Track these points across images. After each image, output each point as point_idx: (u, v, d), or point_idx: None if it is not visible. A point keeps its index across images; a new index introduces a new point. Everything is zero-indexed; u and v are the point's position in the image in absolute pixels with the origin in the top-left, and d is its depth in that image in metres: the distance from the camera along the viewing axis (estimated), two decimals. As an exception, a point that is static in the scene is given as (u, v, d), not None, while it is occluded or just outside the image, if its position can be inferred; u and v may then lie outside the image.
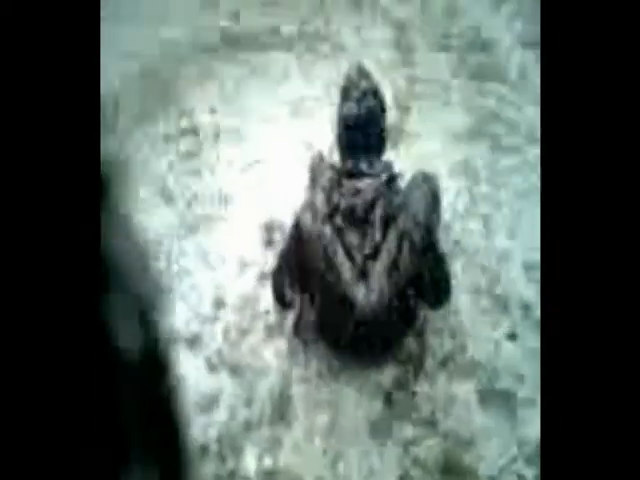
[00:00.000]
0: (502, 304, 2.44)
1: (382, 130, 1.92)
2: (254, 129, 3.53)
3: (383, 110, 1.93)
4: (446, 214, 2.78)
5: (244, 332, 2.29)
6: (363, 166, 1.82)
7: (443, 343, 2.25)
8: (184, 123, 3.58)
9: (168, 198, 3.02)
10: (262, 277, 2.57)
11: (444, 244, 2.41)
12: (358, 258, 1.76)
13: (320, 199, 1.83)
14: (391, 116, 3.40)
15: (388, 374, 2.15)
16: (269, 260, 2.65)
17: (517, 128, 3.31)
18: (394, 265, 1.76)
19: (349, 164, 1.85)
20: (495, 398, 2.14)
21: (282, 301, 2.12)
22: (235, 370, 2.17)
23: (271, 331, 2.29)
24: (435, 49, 4.09)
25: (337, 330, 1.92)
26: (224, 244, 2.74)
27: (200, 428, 1.95)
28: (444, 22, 4.40)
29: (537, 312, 2.31)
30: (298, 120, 3.62)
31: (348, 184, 1.79)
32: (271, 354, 2.22)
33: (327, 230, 1.77)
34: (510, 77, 3.70)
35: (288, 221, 2.84)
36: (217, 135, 3.48)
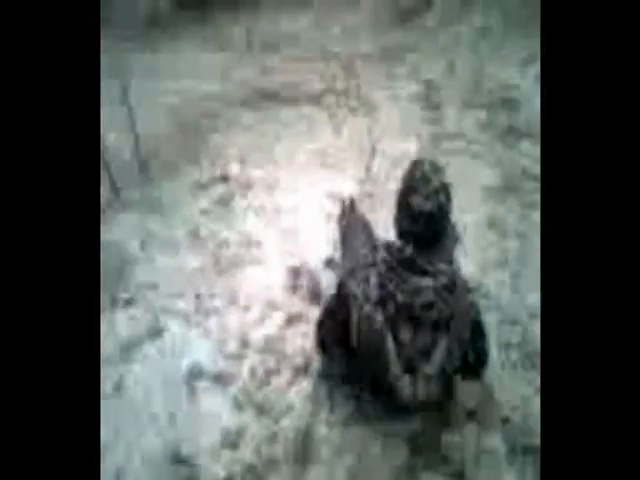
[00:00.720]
0: (532, 359, 2.46)
1: (446, 228, 1.81)
2: (282, 179, 3.74)
3: (450, 209, 1.82)
4: (476, 267, 2.88)
5: (270, 372, 2.37)
6: (423, 261, 1.74)
7: (473, 394, 2.28)
8: (217, 172, 3.82)
9: (201, 241, 3.19)
10: (288, 320, 2.67)
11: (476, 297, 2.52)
12: (408, 353, 1.78)
13: (373, 281, 1.79)
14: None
15: (415, 422, 2.19)
16: (295, 303, 2.77)
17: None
18: (442, 369, 1.83)
19: (408, 251, 1.76)
20: (523, 454, 2.14)
21: (324, 350, 2.22)
22: (261, 409, 2.23)
23: (297, 373, 2.36)
24: (464, 106, 4.31)
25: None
26: (251, 287, 2.87)
27: (225, 463, 2.02)
28: (472, 81, 4.66)
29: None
30: (325, 171, 3.82)
31: (408, 278, 1.72)
32: (296, 395, 2.28)
33: (379, 317, 1.75)
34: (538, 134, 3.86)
35: (313, 266, 2.99)
36: (247, 184, 3.70)
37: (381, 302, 1.75)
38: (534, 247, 3.04)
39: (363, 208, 2.38)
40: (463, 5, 5.97)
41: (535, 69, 4.60)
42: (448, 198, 1.77)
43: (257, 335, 2.57)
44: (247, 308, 2.74)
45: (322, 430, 2.14)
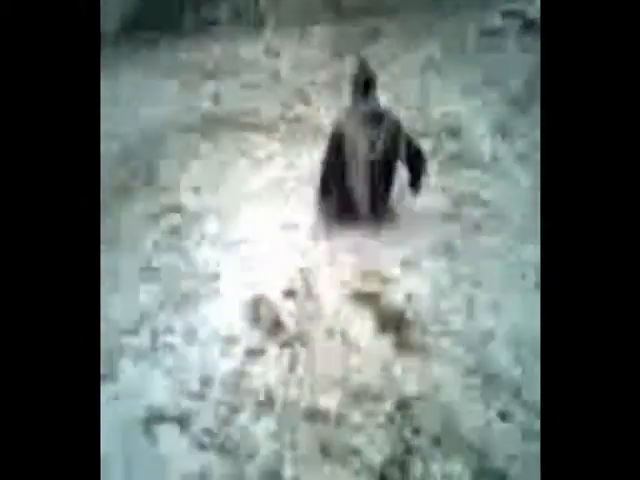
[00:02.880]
0: (492, 383, 2.59)
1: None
2: (237, 208, 3.77)
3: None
4: (429, 294, 3.00)
5: (234, 409, 2.38)
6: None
7: (434, 422, 2.37)
8: (168, 200, 3.81)
9: (153, 275, 3.17)
10: (249, 354, 2.69)
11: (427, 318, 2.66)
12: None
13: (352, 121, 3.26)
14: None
15: (381, 453, 2.25)
16: (256, 336, 2.79)
17: (493, 210, 3.64)
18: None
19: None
20: (488, 478, 2.24)
21: (327, 190, 3.39)
22: (224, 449, 2.23)
23: (261, 408, 2.38)
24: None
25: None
26: (211, 321, 2.87)
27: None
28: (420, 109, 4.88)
29: (526, 392, 2.47)
30: (282, 200, 3.88)
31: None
32: (261, 433, 2.30)
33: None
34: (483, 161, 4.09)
35: (273, 297, 3.03)
36: (200, 213, 3.71)
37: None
38: (486, 270, 3.19)
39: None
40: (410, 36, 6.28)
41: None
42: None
43: (218, 372, 2.57)
44: (206, 343, 2.74)
45: (288, 470, 2.17)
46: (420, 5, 6.83)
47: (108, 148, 4.37)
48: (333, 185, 3.39)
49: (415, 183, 3.47)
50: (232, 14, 7.80)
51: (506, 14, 6.20)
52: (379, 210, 3.46)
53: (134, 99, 5.24)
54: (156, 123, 4.88)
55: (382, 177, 3.35)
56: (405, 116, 4.60)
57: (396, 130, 3.28)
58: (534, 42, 5.21)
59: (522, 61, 5.26)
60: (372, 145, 3.21)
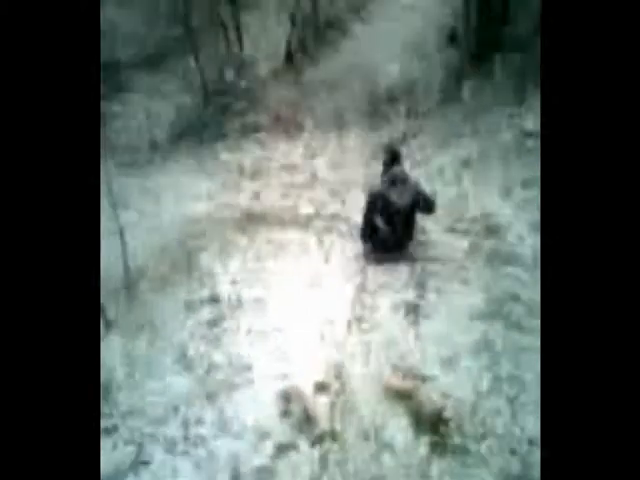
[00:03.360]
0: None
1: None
2: (273, 301, 3.85)
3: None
4: (468, 394, 2.92)
5: (261, 508, 2.30)
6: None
7: None
8: (206, 292, 3.93)
9: (187, 364, 3.21)
10: (279, 449, 2.63)
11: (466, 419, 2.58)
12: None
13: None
14: (409, 295, 3.77)
15: None
16: (286, 431, 2.74)
17: (533, 309, 3.58)
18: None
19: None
20: None
21: (373, 227, 4.36)
22: None
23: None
24: (450, 232, 4.60)
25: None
26: (242, 413, 2.85)
27: None
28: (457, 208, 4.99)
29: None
30: (316, 293, 3.95)
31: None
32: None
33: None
34: (524, 260, 4.09)
35: (305, 391, 3.00)
36: (236, 305, 3.79)
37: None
38: (528, 369, 3.10)
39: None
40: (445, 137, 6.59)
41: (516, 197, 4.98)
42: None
43: (247, 467, 2.51)
44: (237, 434, 2.70)
45: None
46: (455, 107, 7.20)
47: (150, 240, 4.62)
48: (371, 230, 4.40)
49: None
50: (272, 120, 8.43)
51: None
52: (402, 245, 4.44)
53: (178, 195, 5.58)
54: (197, 218, 5.15)
55: (404, 222, 4.35)
56: (443, 214, 4.76)
57: (414, 189, 4.36)
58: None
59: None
60: (398, 198, 4.28)
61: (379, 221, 4.27)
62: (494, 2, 8.05)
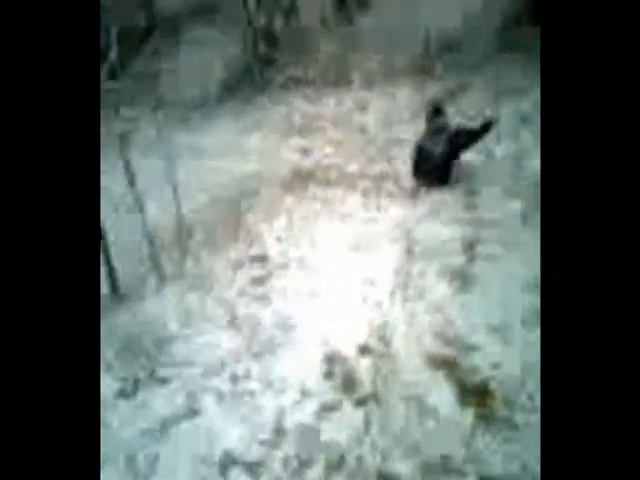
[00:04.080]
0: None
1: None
2: (320, 261, 3.91)
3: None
4: (517, 366, 2.91)
5: (305, 464, 2.43)
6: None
7: None
8: (254, 251, 4.03)
9: (235, 322, 3.35)
10: (322, 409, 2.74)
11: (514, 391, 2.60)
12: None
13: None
14: (457, 260, 3.74)
15: None
16: (330, 392, 2.84)
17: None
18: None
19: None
20: None
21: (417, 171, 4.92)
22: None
23: (332, 466, 2.41)
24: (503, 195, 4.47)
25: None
26: (286, 372, 2.97)
27: None
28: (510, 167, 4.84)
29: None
30: (360, 255, 3.98)
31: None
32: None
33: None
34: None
35: (348, 353, 3.08)
36: (285, 264, 3.88)
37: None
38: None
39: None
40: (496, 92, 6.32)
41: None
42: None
43: (291, 423, 2.64)
44: (282, 391, 2.83)
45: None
46: (511, 61, 6.88)
47: (196, 199, 4.72)
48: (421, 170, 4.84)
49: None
50: (319, 72, 8.28)
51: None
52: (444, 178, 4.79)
53: (220, 153, 5.64)
54: (245, 176, 5.21)
55: (445, 164, 4.76)
56: (495, 173, 4.63)
57: (453, 133, 4.73)
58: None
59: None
60: (433, 147, 4.73)
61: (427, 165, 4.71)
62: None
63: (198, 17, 8.89)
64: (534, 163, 4.66)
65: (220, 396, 2.83)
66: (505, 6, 7.95)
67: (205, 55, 8.27)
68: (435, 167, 4.72)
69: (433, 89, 6.84)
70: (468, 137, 4.74)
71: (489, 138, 4.92)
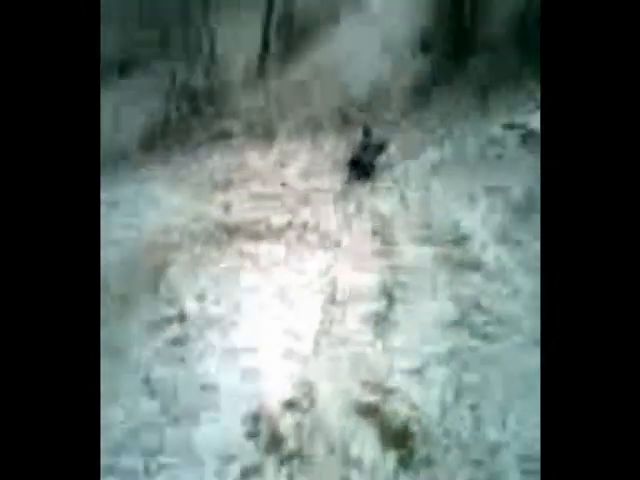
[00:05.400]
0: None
1: None
2: (242, 317, 3.84)
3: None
4: (435, 405, 2.95)
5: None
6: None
7: None
8: (172, 309, 3.91)
9: (151, 388, 3.18)
10: (245, 473, 2.63)
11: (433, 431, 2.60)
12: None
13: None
14: (380, 305, 3.80)
15: None
16: (253, 453, 2.73)
17: (497, 317, 3.65)
18: None
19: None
20: None
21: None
22: None
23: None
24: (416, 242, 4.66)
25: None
26: (208, 437, 2.83)
27: None
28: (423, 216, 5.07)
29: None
30: (284, 307, 3.95)
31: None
32: None
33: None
34: (487, 268, 4.17)
35: (274, 411, 3.00)
36: (204, 323, 3.78)
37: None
38: (492, 379, 3.15)
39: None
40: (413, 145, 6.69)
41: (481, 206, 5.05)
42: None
43: (212, 493, 2.50)
44: (201, 462, 2.69)
45: None
46: (423, 117, 7.32)
47: (108, 255, 4.57)
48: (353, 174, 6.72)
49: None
50: (245, 127, 8.42)
51: (506, 126, 6.60)
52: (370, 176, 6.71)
53: (144, 207, 5.55)
54: (165, 231, 5.12)
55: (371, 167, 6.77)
56: (409, 222, 4.82)
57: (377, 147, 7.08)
58: (533, 152, 5.51)
59: (522, 170, 5.52)
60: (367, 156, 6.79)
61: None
62: (465, 9, 8.20)
63: (120, 70, 8.92)
64: (443, 211, 4.91)
65: (131, 475, 2.64)
66: (416, 68, 8.51)
67: (126, 108, 8.25)
68: (365, 170, 6.66)
69: (355, 140, 7.13)
70: (378, 150, 6.99)
71: (403, 187, 5.17)
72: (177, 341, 3.61)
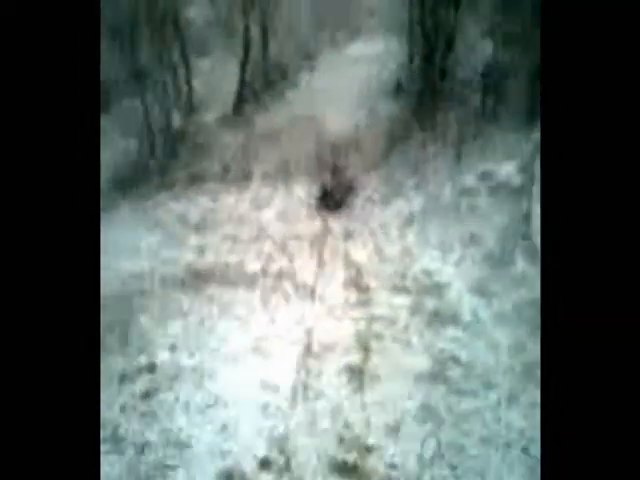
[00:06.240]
0: None
1: None
2: (216, 367, 3.74)
3: None
4: (413, 462, 2.91)
5: None
6: None
7: None
8: (143, 360, 3.78)
9: (119, 445, 3.04)
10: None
11: None
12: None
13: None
14: (354, 358, 3.77)
15: None
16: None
17: (473, 371, 3.63)
18: None
19: None
20: None
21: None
22: None
23: None
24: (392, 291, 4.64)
25: None
26: (177, 498, 2.72)
27: None
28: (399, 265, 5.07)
29: None
30: (260, 358, 3.87)
31: None
32: None
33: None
34: (463, 320, 4.17)
35: (248, 469, 2.91)
36: (176, 374, 3.66)
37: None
38: (470, 434, 3.12)
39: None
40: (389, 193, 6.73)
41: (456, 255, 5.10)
42: None
43: None
44: (170, 526, 2.56)
45: None
46: (399, 163, 7.41)
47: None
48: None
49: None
50: (220, 169, 8.39)
51: (480, 175, 6.72)
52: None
53: (114, 251, 5.43)
54: (135, 276, 5.01)
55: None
56: (384, 271, 4.83)
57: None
58: (506, 201, 5.65)
59: (496, 219, 5.61)
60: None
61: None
62: (437, 55, 8.49)
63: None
64: (417, 265, 4.94)
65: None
66: (392, 114, 8.71)
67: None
68: (336, 202, 6.88)
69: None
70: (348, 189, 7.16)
71: (380, 239, 5.23)
72: (146, 394, 3.49)
